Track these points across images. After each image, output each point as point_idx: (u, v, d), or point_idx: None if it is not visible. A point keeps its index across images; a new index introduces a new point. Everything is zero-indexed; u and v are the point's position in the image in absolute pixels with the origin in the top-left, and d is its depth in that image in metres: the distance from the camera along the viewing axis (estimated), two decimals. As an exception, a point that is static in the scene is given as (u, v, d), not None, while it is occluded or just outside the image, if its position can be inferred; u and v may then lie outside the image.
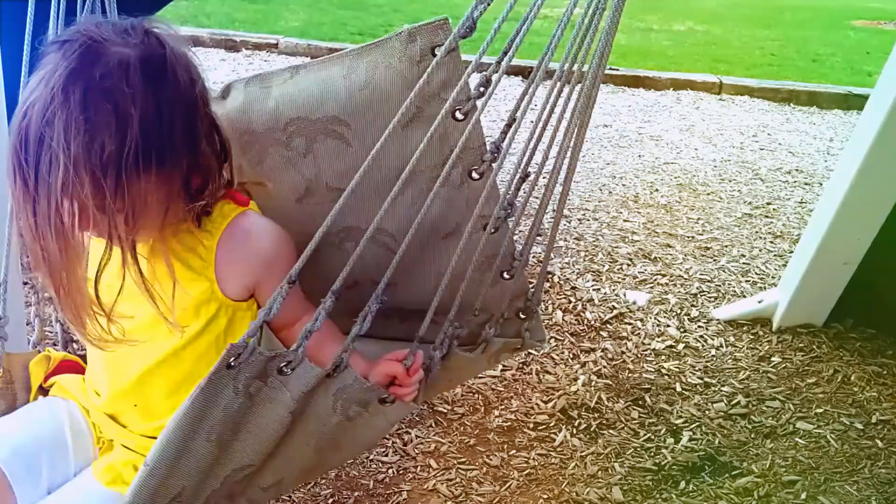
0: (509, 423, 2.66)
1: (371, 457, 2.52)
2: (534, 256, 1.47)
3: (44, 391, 1.54)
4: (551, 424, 2.67)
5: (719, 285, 3.64)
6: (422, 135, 1.23)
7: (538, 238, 1.46)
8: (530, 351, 3.06)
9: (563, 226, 3.79)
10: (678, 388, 2.89)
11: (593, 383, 2.84)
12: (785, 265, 3.71)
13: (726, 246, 4.08)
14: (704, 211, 4.55)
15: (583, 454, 2.55)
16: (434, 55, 1.25)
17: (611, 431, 2.65)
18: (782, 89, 7.20)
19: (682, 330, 3.27)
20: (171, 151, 1.16)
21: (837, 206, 2.98)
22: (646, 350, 3.11)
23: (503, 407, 2.76)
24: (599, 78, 1.33)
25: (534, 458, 2.51)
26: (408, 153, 1.24)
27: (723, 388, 2.90)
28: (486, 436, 2.60)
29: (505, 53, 1.24)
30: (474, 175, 1.32)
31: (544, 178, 1.41)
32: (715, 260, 3.91)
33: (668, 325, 3.28)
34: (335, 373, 1.28)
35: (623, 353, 3.08)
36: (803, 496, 2.40)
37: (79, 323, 1.22)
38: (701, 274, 3.74)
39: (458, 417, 2.70)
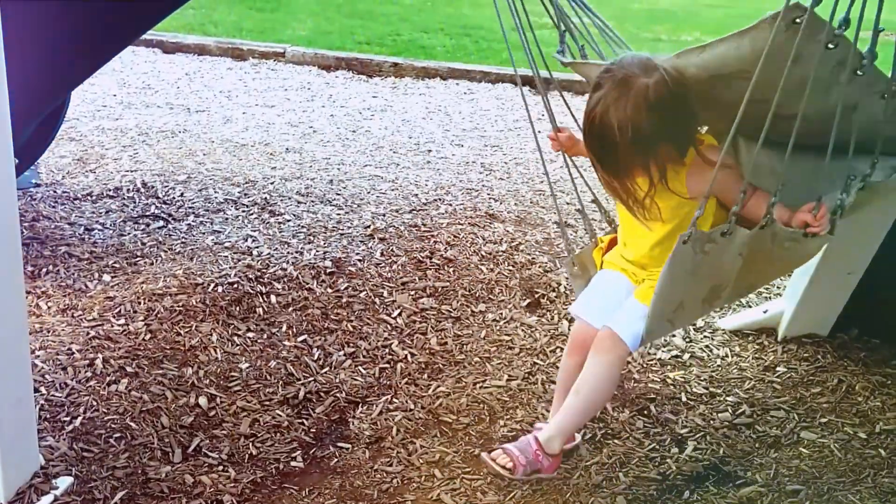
0: (514, 433, 2.66)
1: (375, 466, 2.53)
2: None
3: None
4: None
5: (724, 295, 3.64)
6: (801, 70, 1.84)
7: None
8: (535, 361, 3.07)
9: (570, 234, 3.80)
10: (683, 398, 2.90)
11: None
12: (790, 275, 3.71)
13: (731, 255, 4.07)
14: (710, 220, 4.55)
15: (587, 464, 2.55)
16: (795, 23, 1.79)
17: (616, 441, 2.65)
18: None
19: (687, 340, 3.27)
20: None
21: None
22: (651, 360, 3.12)
23: (508, 417, 2.77)
24: None
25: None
26: (796, 80, 1.84)
27: (728, 398, 2.90)
28: (491, 445, 2.60)
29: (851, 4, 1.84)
30: (858, 73, 1.92)
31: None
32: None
33: (674, 335, 3.28)
34: (766, 227, 2.06)
35: (628, 362, 3.08)
36: (808, 506, 2.41)
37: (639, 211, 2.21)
38: (706, 283, 3.74)
39: (462, 427, 2.71)
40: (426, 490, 2.43)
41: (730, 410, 2.84)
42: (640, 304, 2.26)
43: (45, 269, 3.53)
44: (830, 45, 1.83)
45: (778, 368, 3.09)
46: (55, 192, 4.43)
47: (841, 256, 3.05)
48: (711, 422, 2.77)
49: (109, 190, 4.50)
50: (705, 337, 3.30)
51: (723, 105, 2.06)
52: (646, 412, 2.81)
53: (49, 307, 3.22)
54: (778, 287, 3.72)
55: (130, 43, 4.15)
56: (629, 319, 2.25)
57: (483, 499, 2.39)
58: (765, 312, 3.34)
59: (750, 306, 3.52)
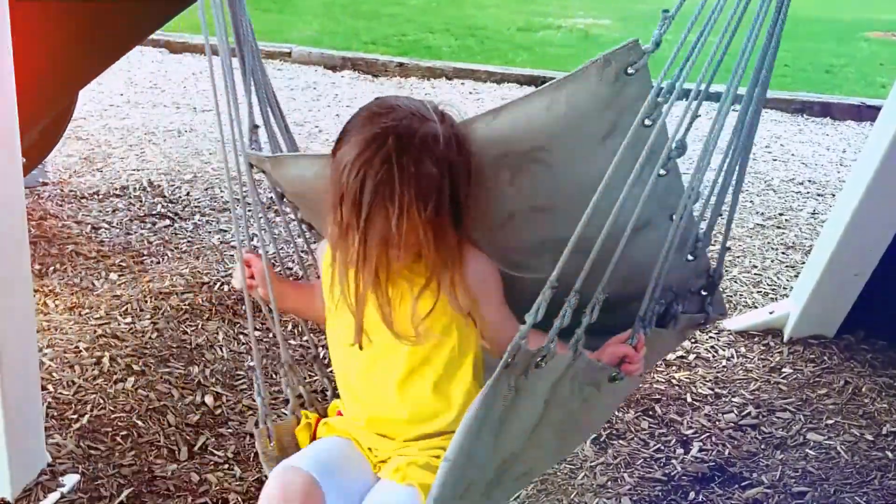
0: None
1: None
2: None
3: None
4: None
5: (731, 296, 3.64)
6: (618, 146, 1.39)
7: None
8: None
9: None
10: (689, 399, 2.89)
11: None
12: (796, 276, 3.71)
13: (738, 257, 4.07)
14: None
15: (592, 464, 2.55)
16: (627, 74, 1.41)
17: (621, 441, 2.65)
18: (795, 100, 7.18)
19: (693, 340, 3.27)
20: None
21: (849, 217, 2.98)
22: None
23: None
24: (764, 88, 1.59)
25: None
26: (605, 164, 1.38)
27: (733, 399, 2.90)
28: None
29: (682, 67, 1.40)
30: (661, 172, 1.44)
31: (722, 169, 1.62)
32: (726, 270, 3.91)
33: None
34: (575, 357, 1.46)
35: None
36: (813, 508, 2.40)
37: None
38: (712, 284, 3.74)
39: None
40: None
41: (735, 411, 2.84)
42: (398, 486, 1.59)
43: (52, 268, 3.54)
44: (647, 122, 1.40)
45: (784, 369, 3.09)
46: (62, 190, 4.44)
47: (848, 258, 3.05)
48: (717, 423, 2.77)
49: (116, 189, 4.51)
50: (711, 338, 3.30)
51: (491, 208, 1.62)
52: (651, 413, 2.81)
53: (56, 305, 3.23)
54: (784, 288, 3.71)
55: (138, 43, 4.16)
56: None
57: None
58: (771, 313, 3.33)
59: (756, 307, 3.51)
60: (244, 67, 1.98)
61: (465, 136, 1.53)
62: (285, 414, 1.95)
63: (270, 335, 3.16)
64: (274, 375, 2.93)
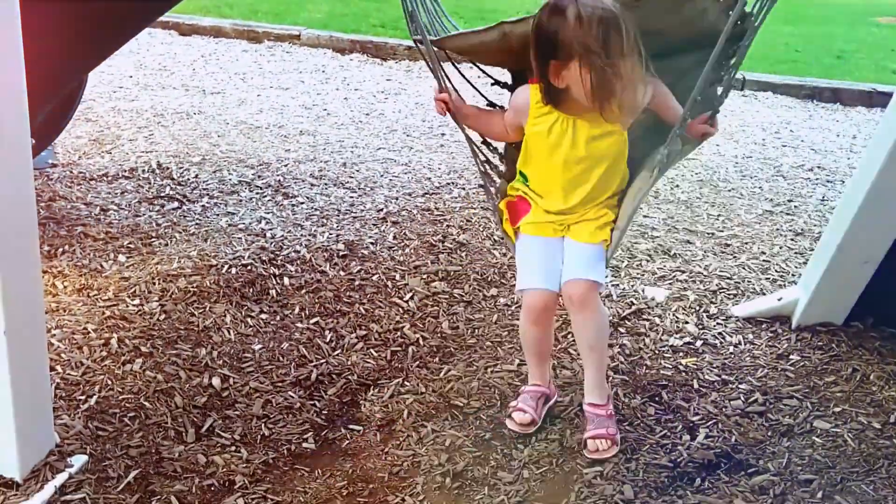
0: (525, 418, 2.66)
1: (386, 449, 2.53)
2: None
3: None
4: (567, 419, 2.67)
5: (739, 282, 3.63)
6: None
7: None
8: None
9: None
10: (695, 385, 2.89)
11: (610, 379, 2.84)
12: (805, 263, 3.70)
13: (746, 243, 4.06)
14: (725, 207, 4.53)
15: (598, 449, 2.55)
16: None
17: (627, 428, 2.65)
18: (806, 86, 7.15)
19: (700, 327, 3.26)
20: None
21: (859, 204, 2.96)
22: (663, 346, 3.11)
23: (520, 401, 2.77)
24: None
25: (549, 454, 2.52)
26: None
27: (740, 386, 2.90)
28: (502, 430, 2.60)
29: None
30: None
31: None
32: (735, 257, 3.90)
33: (687, 322, 3.28)
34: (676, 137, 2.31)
35: (640, 349, 3.08)
36: (819, 495, 2.40)
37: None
38: (720, 271, 3.73)
39: (473, 412, 2.71)
40: (437, 473, 2.44)
41: (742, 398, 2.83)
42: (590, 246, 2.44)
43: (61, 249, 3.54)
44: None
45: (791, 356, 3.08)
46: (71, 172, 4.45)
47: (857, 245, 3.03)
48: (723, 409, 2.77)
49: (125, 171, 4.52)
50: (718, 324, 3.29)
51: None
52: (657, 399, 2.81)
53: (65, 287, 3.24)
54: (793, 275, 3.70)
55: (147, 25, 4.16)
56: (589, 263, 2.42)
57: (497, 479, 2.40)
58: (779, 300, 3.32)
59: (764, 293, 3.50)
60: None
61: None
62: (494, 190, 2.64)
63: (277, 318, 3.17)
64: (280, 358, 2.94)
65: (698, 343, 3.15)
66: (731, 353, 3.10)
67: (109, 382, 2.70)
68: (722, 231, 4.19)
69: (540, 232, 2.51)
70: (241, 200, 4.23)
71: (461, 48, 2.64)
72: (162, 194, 4.25)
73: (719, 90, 2.37)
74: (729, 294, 3.53)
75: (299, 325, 3.15)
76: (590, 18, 2.19)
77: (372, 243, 3.81)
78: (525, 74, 2.56)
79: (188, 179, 4.46)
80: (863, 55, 8.55)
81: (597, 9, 2.20)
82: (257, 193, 4.33)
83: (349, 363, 2.95)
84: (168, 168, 4.59)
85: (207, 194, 4.28)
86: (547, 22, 2.26)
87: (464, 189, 4.56)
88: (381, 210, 4.19)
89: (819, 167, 5.33)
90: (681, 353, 3.08)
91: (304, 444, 2.56)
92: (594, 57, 2.19)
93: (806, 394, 2.87)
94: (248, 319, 3.14)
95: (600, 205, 2.48)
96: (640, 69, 2.25)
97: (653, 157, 2.35)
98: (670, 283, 3.60)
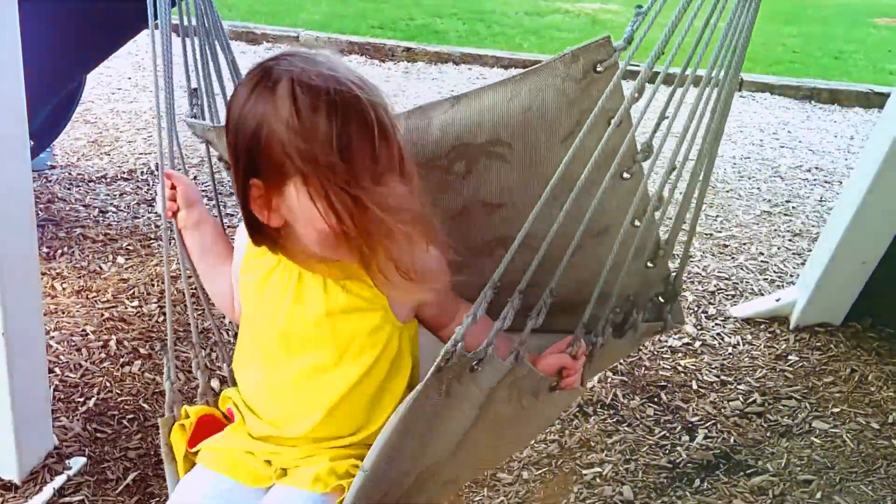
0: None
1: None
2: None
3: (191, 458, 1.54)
4: (566, 420, 2.67)
5: (737, 283, 3.63)
6: (576, 146, 1.29)
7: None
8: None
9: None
10: (694, 386, 2.89)
11: (609, 380, 2.84)
12: (803, 264, 3.70)
13: (744, 244, 4.06)
14: (723, 208, 4.53)
15: (598, 451, 2.55)
16: (596, 72, 1.31)
17: (626, 428, 2.65)
18: (803, 87, 7.15)
19: (699, 327, 3.27)
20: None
21: (857, 205, 2.97)
22: (662, 347, 3.11)
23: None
24: (735, 81, 1.40)
25: (549, 455, 2.52)
26: (565, 164, 1.29)
27: (739, 386, 2.90)
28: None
29: (653, 62, 1.28)
30: (625, 175, 1.37)
31: (686, 173, 1.48)
32: (733, 258, 3.90)
33: (685, 323, 3.28)
34: (514, 365, 1.34)
35: (639, 349, 3.08)
36: (818, 496, 2.40)
37: None
38: (719, 271, 3.74)
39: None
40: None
41: (741, 399, 2.83)
42: (308, 496, 1.38)
43: (59, 251, 3.54)
44: (615, 121, 1.30)
45: (790, 357, 3.08)
46: (70, 174, 4.45)
47: (855, 246, 3.04)
48: (722, 410, 2.77)
49: (124, 172, 4.51)
50: (717, 325, 3.30)
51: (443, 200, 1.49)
52: (656, 400, 2.81)
53: (64, 288, 3.24)
54: (791, 275, 3.71)
55: (146, 28, 4.15)
56: None
57: (497, 480, 2.40)
58: (777, 300, 3.33)
59: (762, 294, 3.51)
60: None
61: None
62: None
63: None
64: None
65: (697, 344, 3.15)
66: (729, 354, 3.10)
67: (108, 384, 2.70)
68: (720, 232, 4.20)
69: (228, 470, 1.45)
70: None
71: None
72: (160, 196, 4.24)
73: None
74: (727, 295, 3.53)
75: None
76: (315, 104, 1.19)
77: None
78: None
79: (187, 181, 4.45)
80: (860, 56, 8.56)
81: (330, 84, 1.20)
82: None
83: (348, 364, 2.94)
84: (166, 170, 4.58)
85: (206, 196, 4.27)
86: (242, 111, 1.26)
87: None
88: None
89: (817, 168, 5.33)
90: (679, 354, 3.08)
91: (304, 446, 2.56)
92: (328, 174, 1.20)
93: (804, 394, 2.87)
94: (247, 321, 3.14)
95: (346, 444, 1.44)
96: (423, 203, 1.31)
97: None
98: (669, 284, 3.60)
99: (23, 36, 2.09)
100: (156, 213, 4.02)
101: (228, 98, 1.46)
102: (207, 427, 1.56)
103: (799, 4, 10.61)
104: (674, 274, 1.62)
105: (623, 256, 1.42)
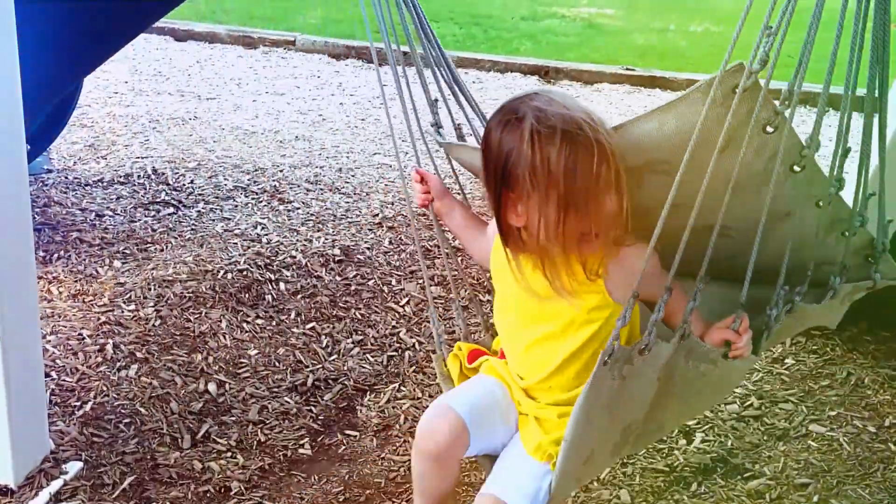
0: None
1: (383, 454, 2.53)
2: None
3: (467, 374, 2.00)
4: (563, 424, 2.67)
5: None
6: (736, 156, 1.45)
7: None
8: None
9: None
10: (691, 390, 2.89)
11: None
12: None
13: (741, 247, 4.07)
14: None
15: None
16: (735, 92, 1.42)
17: (623, 432, 2.65)
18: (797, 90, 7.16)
19: (695, 331, 3.26)
20: None
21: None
22: (659, 351, 3.11)
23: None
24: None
25: (545, 458, 2.52)
26: (727, 171, 1.46)
27: (736, 390, 2.90)
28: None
29: (796, 73, 1.51)
30: (795, 168, 1.55)
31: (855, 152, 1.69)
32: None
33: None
34: (682, 340, 1.60)
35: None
36: (815, 499, 2.40)
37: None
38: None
39: (470, 416, 2.71)
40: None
41: (738, 402, 2.84)
42: (530, 460, 1.75)
43: (56, 255, 3.54)
44: (770, 128, 1.45)
45: (786, 361, 3.09)
46: (67, 178, 4.44)
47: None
48: (719, 413, 2.77)
49: (120, 176, 4.51)
50: (714, 329, 3.30)
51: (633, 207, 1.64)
52: (654, 403, 2.81)
53: (60, 292, 3.24)
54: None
55: (142, 31, 4.16)
56: (518, 481, 1.73)
57: (490, 488, 2.40)
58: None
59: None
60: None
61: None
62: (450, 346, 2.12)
63: (273, 323, 3.17)
64: (276, 363, 2.93)
65: (694, 347, 3.15)
66: (726, 358, 3.10)
67: (105, 388, 2.69)
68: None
69: (503, 380, 1.91)
70: (236, 206, 4.23)
71: (461, 160, 2.17)
72: (157, 200, 4.24)
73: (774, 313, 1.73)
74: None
75: (295, 330, 3.14)
76: (550, 137, 1.56)
77: (368, 248, 3.81)
78: None
79: (184, 185, 4.46)
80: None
81: (562, 121, 1.56)
82: (253, 199, 4.33)
83: (345, 368, 2.95)
84: (163, 173, 4.59)
85: (203, 200, 4.28)
86: (496, 141, 1.65)
87: (459, 194, 4.54)
88: (377, 215, 4.19)
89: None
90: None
91: (301, 450, 2.56)
92: (552, 191, 1.58)
93: (801, 398, 2.87)
94: (244, 325, 3.14)
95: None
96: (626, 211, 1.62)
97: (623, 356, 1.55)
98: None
99: (20, 40, 2.09)
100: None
101: (472, 123, 2.19)
102: (477, 358, 2.00)
103: (794, 9, 10.59)
104: (876, 236, 1.84)
105: (811, 234, 1.68)
